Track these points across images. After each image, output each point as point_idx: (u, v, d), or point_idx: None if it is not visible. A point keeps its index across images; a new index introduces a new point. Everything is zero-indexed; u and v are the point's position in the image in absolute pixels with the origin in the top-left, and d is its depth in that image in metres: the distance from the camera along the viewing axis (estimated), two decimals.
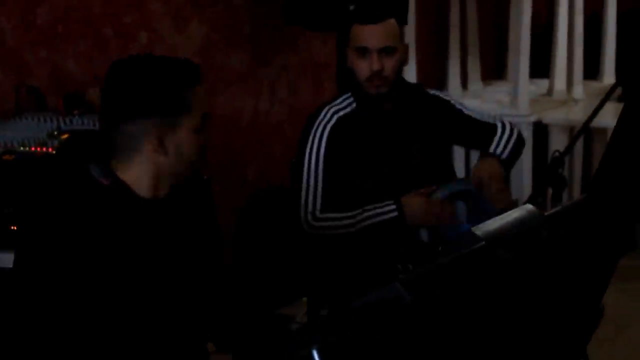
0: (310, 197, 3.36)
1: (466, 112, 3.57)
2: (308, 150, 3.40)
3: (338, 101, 3.49)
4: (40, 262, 2.27)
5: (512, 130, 3.56)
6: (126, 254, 2.30)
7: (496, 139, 3.51)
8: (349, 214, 3.32)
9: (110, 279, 2.27)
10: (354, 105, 3.46)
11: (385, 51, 3.34)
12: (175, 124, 2.33)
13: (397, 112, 3.46)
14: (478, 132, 3.53)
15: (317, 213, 3.35)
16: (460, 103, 3.62)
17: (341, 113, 3.45)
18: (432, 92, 3.61)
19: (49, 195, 2.39)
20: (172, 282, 2.40)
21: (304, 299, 4.16)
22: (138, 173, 2.37)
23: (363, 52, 3.35)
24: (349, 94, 3.48)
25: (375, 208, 3.32)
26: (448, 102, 3.58)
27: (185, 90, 2.33)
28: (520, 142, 3.57)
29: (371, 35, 3.34)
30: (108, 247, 2.27)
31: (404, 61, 3.45)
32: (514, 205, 3.34)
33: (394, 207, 3.30)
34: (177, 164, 2.37)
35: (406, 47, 3.47)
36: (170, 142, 2.34)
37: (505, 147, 3.49)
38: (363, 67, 3.36)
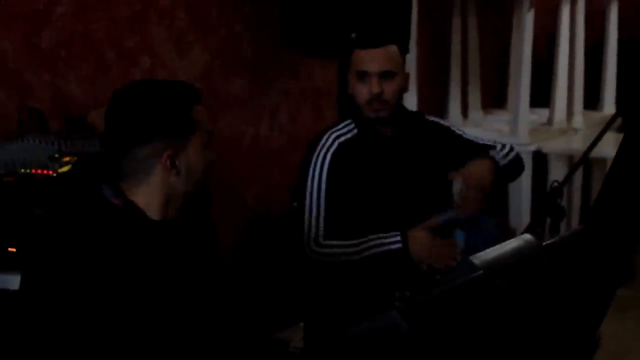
0: (314, 223, 3.36)
1: (466, 136, 3.58)
2: (310, 175, 3.39)
3: (339, 127, 3.49)
4: (53, 282, 2.28)
5: (512, 148, 3.56)
6: (139, 276, 2.31)
7: (495, 152, 3.49)
8: (353, 242, 3.32)
9: (123, 301, 2.27)
10: (355, 130, 3.46)
11: (385, 75, 3.35)
12: (184, 143, 2.38)
13: (397, 137, 3.46)
14: (478, 153, 3.50)
15: (320, 239, 3.34)
16: (460, 129, 3.63)
17: (342, 139, 3.44)
18: (432, 118, 3.61)
19: (64, 215, 2.42)
20: (184, 302, 2.41)
21: (301, 324, 4.14)
22: (149, 196, 2.41)
23: (363, 76, 3.36)
24: (350, 119, 3.49)
25: (379, 238, 3.31)
26: (448, 128, 3.59)
27: (191, 109, 2.38)
28: (519, 160, 3.56)
29: (371, 59, 3.35)
30: (121, 268, 2.28)
31: (404, 88, 3.44)
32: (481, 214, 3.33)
33: (398, 238, 3.29)
34: (188, 182, 2.42)
35: (407, 75, 3.47)
36: (182, 162, 2.39)
37: (503, 157, 3.48)
38: (363, 91, 3.37)
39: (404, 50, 3.67)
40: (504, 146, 3.56)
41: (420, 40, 6.39)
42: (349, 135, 3.46)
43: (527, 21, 6.30)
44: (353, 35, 4.38)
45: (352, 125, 3.48)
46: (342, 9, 4.64)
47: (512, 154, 3.53)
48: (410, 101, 5.95)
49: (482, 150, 3.52)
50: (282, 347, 3.45)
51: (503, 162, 3.45)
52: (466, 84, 7.07)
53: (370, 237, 3.31)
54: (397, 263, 3.30)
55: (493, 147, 3.55)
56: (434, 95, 6.89)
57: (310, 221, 3.36)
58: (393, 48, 3.40)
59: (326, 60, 5.26)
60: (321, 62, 5.61)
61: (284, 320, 4.65)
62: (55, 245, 2.33)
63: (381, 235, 3.31)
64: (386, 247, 3.29)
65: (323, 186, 3.38)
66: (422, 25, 6.39)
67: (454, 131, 3.58)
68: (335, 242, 3.34)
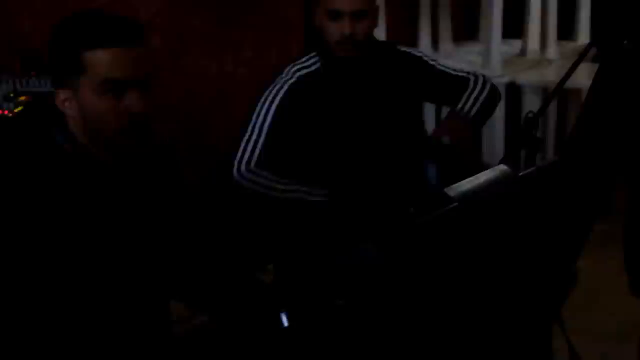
0: (250, 147, 3.27)
1: (439, 67, 3.51)
2: (260, 103, 3.31)
3: (302, 59, 3.41)
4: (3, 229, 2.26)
5: (484, 84, 3.49)
6: (89, 218, 2.30)
7: (466, 94, 3.44)
8: (283, 180, 3.24)
9: (73, 244, 2.27)
10: (318, 64, 3.38)
11: (357, 15, 3.26)
12: (76, 87, 2.29)
13: (365, 71, 3.38)
14: (449, 87, 3.46)
15: (252, 165, 3.26)
16: (433, 59, 3.55)
17: (304, 71, 3.36)
18: (403, 49, 3.53)
19: (13, 161, 2.38)
20: (134, 243, 2.39)
21: (270, 266, 4.10)
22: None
23: (334, 15, 3.26)
24: (315, 52, 3.40)
25: (308, 186, 3.22)
26: (420, 57, 3.51)
27: (82, 51, 2.26)
28: (492, 96, 3.50)
29: None
30: (70, 211, 2.27)
31: (374, 24, 3.36)
32: (479, 164, 3.31)
33: (325, 192, 3.20)
34: (85, 127, 2.33)
35: (377, 10, 3.38)
36: (72, 105, 2.31)
37: (474, 103, 3.41)
38: (334, 31, 3.28)
39: None
40: (475, 84, 3.49)
41: None
42: (311, 69, 3.38)
43: None
44: None
45: (316, 59, 3.39)
46: None
47: (483, 94, 3.46)
48: (379, 33, 5.87)
49: (454, 82, 3.46)
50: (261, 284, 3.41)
51: (474, 110, 3.41)
52: (436, 15, 6.99)
53: (299, 181, 3.23)
54: (322, 214, 3.22)
55: (465, 83, 3.48)
56: (404, 27, 6.81)
57: (247, 145, 3.28)
58: None
59: None
60: None
61: (253, 263, 4.60)
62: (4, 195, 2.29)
63: (311, 186, 3.22)
64: (310, 197, 3.20)
65: (270, 115, 3.29)
66: None
67: (426, 62, 3.51)
68: (264, 172, 3.25)
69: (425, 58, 3.52)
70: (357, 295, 1.53)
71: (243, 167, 3.26)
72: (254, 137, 3.28)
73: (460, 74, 3.52)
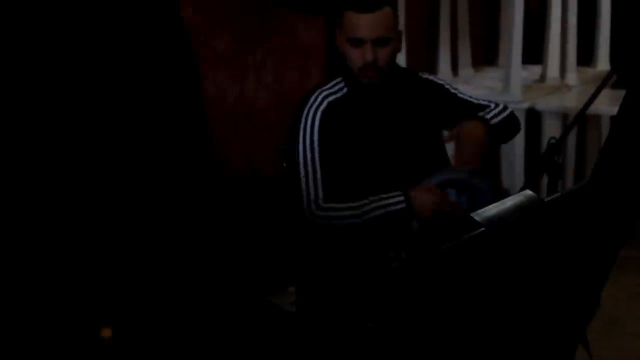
0: (311, 185, 3.26)
1: (460, 95, 3.50)
2: (301, 135, 3.31)
3: (329, 85, 3.41)
4: None
5: (505, 108, 3.48)
6: None
7: (487, 110, 3.41)
8: (355, 204, 3.23)
9: None
10: (345, 90, 3.38)
11: (379, 42, 3.25)
12: None
13: (389, 98, 3.38)
14: (472, 113, 3.42)
15: (321, 202, 3.25)
16: (454, 87, 3.54)
17: (332, 97, 3.36)
18: (425, 76, 3.53)
19: None
20: None
21: (292, 288, 4.10)
22: None
23: (356, 42, 3.26)
24: (340, 78, 3.41)
25: (381, 199, 3.22)
26: (442, 85, 3.51)
27: None
28: (512, 119, 3.48)
29: (366, 25, 3.24)
30: None
31: (398, 49, 3.36)
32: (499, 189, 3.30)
33: (402, 198, 3.20)
34: None
35: (400, 34, 3.37)
36: None
37: (494, 116, 3.38)
38: (356, 57, 3.28)
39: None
40: (497, 105, 3.48)
41: None
42: (338, 95, 3.38)
43: None
44: None
45: (342, 84, 3.39)
46: None
47: (505, 113, 3.45)
48: (399, 58, 5.84)
49: (476, 109, 3.44)
50: (276, 309, 3.39)
51: (494, 121, 3.36)
52: (456, 40, 6.99)
53: (370, 198, 3.22)
54: (399, 223, 3.20)
55: (487, 106, 3.47)
56: (424, 52, 6.81)
57: (307, 183, 3.26)
58: (388, 10, 3.28)
59: (311, 15, 5.17)
60: (306, 17, 5.52)
61: (274, 285, 4.59)
62: None
63: (382, 196, 3.22)
64: (390, 208, 3.20)
65: (316, 146, 3.29)
66: None
67: (448, 89, 3.51)
68: (337, 205, 3.24)
69: (447, 86, 3.51)
70: (386, 317, 1.53)
71: (315, 209, 3.25)
72: (310, 174, 3.27)
73: (482, 102, 3.51)
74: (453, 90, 3.50)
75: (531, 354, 1.86)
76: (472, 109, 3.44)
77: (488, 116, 3.35)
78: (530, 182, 3.53)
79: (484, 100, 3.53)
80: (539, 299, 1.78)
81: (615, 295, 4.66)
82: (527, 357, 1.86)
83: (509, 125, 3.46)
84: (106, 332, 2.54)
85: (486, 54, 7.55)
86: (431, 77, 3.55)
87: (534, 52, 6.70)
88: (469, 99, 3.51)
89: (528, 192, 1.80)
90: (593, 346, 2.17)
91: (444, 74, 6.79)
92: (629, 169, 1.97)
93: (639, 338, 4.59)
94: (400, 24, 3.42)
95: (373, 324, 1.54)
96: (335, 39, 3.37)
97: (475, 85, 6.61)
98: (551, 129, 6.08)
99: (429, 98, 3.45)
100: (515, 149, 6.07)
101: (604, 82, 3.45)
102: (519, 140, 6.12)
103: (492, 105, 3.47)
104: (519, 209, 1.72)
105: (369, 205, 3.21)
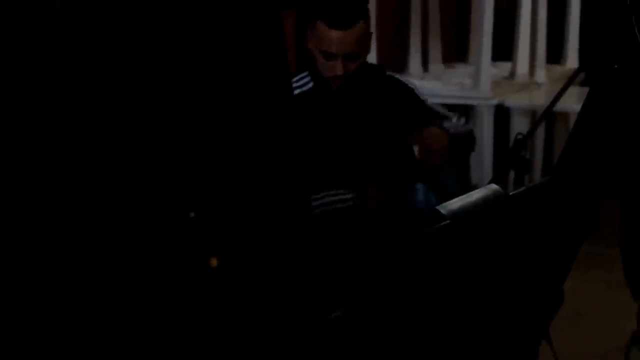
0: None
1: (427, 103, 3.48)
2: None
3: (295, 79, 3.36)
4: None
5: (467, 123, 3.51)
6: None
7: (447, 121, 3.42)
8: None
9: None
10: (311, 85, 3.34)
11: (351, 56, 3.22)
12: None
13: (354, 96, 3.35)
14: (435, 120, 3.41)
15: None
16: (425, 96, 3.52)
17: (297, 91, 3.31)
18: (397, 76, 3.52)
19: None
20: None
21: None
22: None
23: (328, 55, 3.22)
24: (307, 72, 3.36)
25: (337, 194, 3.23)
26: (413, 90, 3.48)
27: None
28: (471, 134, 3.50)
29: (338, 41, 3.18)
30: None
31: (368, 52, 3.33)
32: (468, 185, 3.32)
33: (353, 195, 3.22)
34: None
35: (370, 36, 3.33)
36: None
37: (454, 126, 3.39)
38: (326, 68, 3.25)
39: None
40: (460, 117, 3.49)
41: None
42: (304, 88, 3.34)
43: None
44: None
45: (308, 79, 3.35)
46: None
47: (465, 128, 3.46)
48: (370, 54, 5.85)
49: (441, 118, 3.44)
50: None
51: (452, 130, 3.36)
52: (427, 37, 7.00)
53: (322, 193, 3.23)
54: (353, 219, 3.22)
55: (451, 117, 3.47)
56: (394, 48, 6.80)
57: None
58: (361, 25, 3.21)
59: (282, 9, 5.15)
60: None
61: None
62: None
63: (338, 191, 3.24)
64: (342, 204, 3.22)
65: None
66: None
67: (418, 95, 3.48)
68: None
69: (417, 92, 3.49)
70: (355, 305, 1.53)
71: None
72: None
73: (448, 113, 3.50)
74: (423, 98, 3.48)
75: (494, 349, 1.87)
76: (435, 117, 3.43)
77: (447, 125, 3.36)
78: (498, 177, 3.55)
79: (450, 113, 3.53)
80: (502, 293, 1.80)
81: (580, 290, 4.69)
82: (490, 352, 1.87)
83: (467, 138, 3.47)
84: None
85: (456, 51, 7.58)
86: (402, 79, 3.53)
87: (503, 49, 6.73)
88: (436, 108, 3.50)
89: (493, 185, 1.82)
90: (557, 342, 2.19)
91: (414, 70, 6.81)
92: (592, 164, 2.00)
93: (603, 333, 4.63)
94: (371, 22, 3.38)
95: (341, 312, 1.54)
96: (305, 37, 3.32)
97: (445, 82, 6.64)
98: (520, 126, 6.13)
99: (393, 98, 3.42)
100: (484, 145, 6.10)
101: (572, 79, 3.48)
102: (488, 136, 6.16)
103: (454, 118, 3.47)
104: (483, 202, 1.73)
105: (319, 201, 3.22)
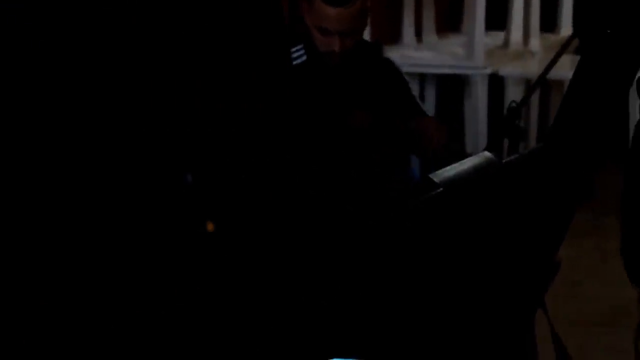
0: None
1: (412, 92, 3.50)
2: None
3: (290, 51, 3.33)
4: None
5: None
6: None
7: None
8: None
9: None
10: (305, 57, 3.31)
11: (347, 33, 3.21)
12: None
13: (346, 74, 3.34)
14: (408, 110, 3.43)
15: None
16: (410, 85, 3.53)
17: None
18: (390, 58, 3.53)
19: None
20: None
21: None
22: None
23: (324, 31, 3.20)
24: (302, 45, 3.32)
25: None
26: (401, 74, 3.49)
27: None
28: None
29: (335, 18, 3.17)
30: None
31: (365, 27, 3.33)
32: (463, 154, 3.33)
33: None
34: None
35: (368, 14, 3.31)
36: None
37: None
38: (322, 43, 3.23)
39: None
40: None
41: None
42: (298, 61, 3.31)
43: None
44: None
45: (302, 52, 3.32)
46: None
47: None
48: None
49: (417, 111, 3.45)
50: None
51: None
52: (420, 7, 6.99)
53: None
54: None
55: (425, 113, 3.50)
56: (387, 18, 6.79)
57: None
58: (359, 1, 3.19)
59: None
60: None
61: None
62: None
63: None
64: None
65: None
66: None
67: (406, 83, 3.49)
68: None
69: (405, 79, 3.50)
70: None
71: None
72: None
73: (424, 110, 3.52)
74: (408, 87, 3.49)
75: (490, 319, 1.87)
76: (415, 111, 3.44)
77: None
78: (492, 146, 3.55)
79: (426, 111, 3.55)
80: (496, 261, 1.80)
81: (575, 258, 4.71)
82: (486, 321, 1.87)
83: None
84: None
85: (450, 21, 7.56)
86: (397, 65, 3.51)
87: (497, 18, 6.72)
88: (416, 99, 3.51)
89: (486, 153, 1.81)
90: (553, 310, 2.19)
91: (408, 40, 6.80)
92: (584, 130, 2.00)
93: (598, 300, 4.65)
94: None
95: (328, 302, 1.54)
96: (300, 9, 3.29)
97: (439, 52, 6.63)
98: (514, 95, 6.12)
99: (386, 83, 3.42)
100: (479, 114, 6.11)
101: (565, 45, 3.48)
102: (482, 105, 6.16)
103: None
104: (476, 169, 1.73)
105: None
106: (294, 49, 3.33)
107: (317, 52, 3.29)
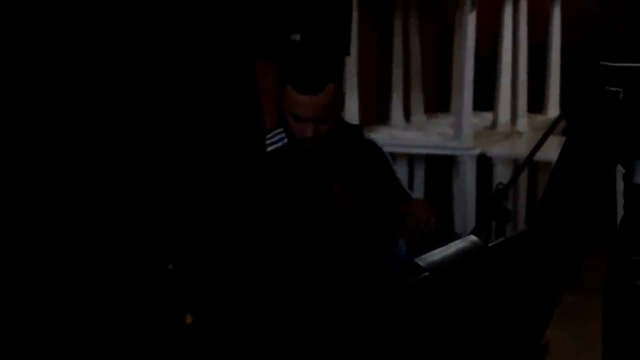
0: None
1: (396, 174, 3.48)
2: None
3: (271, 134, 3.32)
4: None
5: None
6: None
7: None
8: None
9: None
10: (286, 140, 3.31)
11: (321, 119, 3.22)
12: None
13: (328, 156, 3.33)
14: (394, 194, 3.42)
15: None
16: (393, 167, 3.52)
17: (272, 147, 3.29)
18: (372, 139, 3.50)
19: None
20: None
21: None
22: None
23: (297, 118, 3.21)
24: (282, 129, 3.32)
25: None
26: (385, 157, 3.47)
27: None
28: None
29: (308, 106, 3.19)
30: None
31: (340, 112, 3.34)
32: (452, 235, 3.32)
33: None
34: None
35: (342, 98, 3.34)
36: None
37: None
38: (297, 129, 3.24)
39: (345, 52, 3.55)
40: None
41: (361, 43, 6.31)
42: (278, 144, 3.31)
43: (470, 21, 6.26)
44: (295, 36, 4.25)
45: (283, 135, 3.31)
46: (280, 9, 4.54)
47: None
48: (352, 106, 5.88)
49: (401, 195, 3.43)
50: None
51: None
52: (408, 87, 7.04)
53: None
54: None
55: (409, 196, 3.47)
56: (376, 99, 6.83)
57: None
58: (331, 88, 3.21)
59: (266, 61, 5.15)
60: (260, 63, 5.51)
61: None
62: None
63: None
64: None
65: None
66: (363, 27, 6.31)
67: (389, 164, 3.47)
68: None
69: (389, 160, 3.48)
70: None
71: None
72: None
73: (407, 191, 3.50)
74: (393, 168, 3.47)
75: None
76: (395, 191, 3.43)
77: None
78: (480, 227, 3.55)
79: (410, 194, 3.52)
80: (481, 343, 1.80)
81: (563, 341, 4.68)
82: None
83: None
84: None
85: (438, 101, 7.61)
86: (377, 142, 3.50)
87: (485, 99, 6.76)
88: (399, 181, 3.49)
89: (472, 237, 1.83)
90: None
91: (396, 120, 6.83)
92: (569, 212, 2.00)
93: None
94: (351, 70, 3.39)
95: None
96: (282, 91, 3.30)
97: (427, 132, 6.66)
98: (502, 175, 6.14)
99: (367, 163, 3.40)
100: (467, 195, 6.11)
101: (552, 126, 3.49)
102: (470, 186, 6.16)
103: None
104: (462, 253, 1.74)
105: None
106: (275, 132, 3.33)
107: (298, 139, 3.29)
